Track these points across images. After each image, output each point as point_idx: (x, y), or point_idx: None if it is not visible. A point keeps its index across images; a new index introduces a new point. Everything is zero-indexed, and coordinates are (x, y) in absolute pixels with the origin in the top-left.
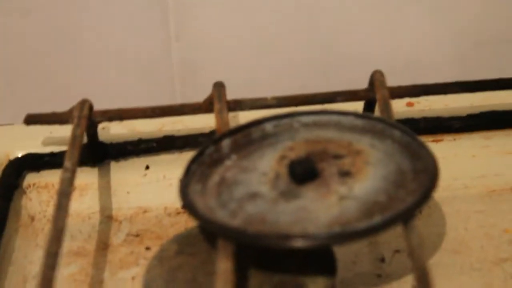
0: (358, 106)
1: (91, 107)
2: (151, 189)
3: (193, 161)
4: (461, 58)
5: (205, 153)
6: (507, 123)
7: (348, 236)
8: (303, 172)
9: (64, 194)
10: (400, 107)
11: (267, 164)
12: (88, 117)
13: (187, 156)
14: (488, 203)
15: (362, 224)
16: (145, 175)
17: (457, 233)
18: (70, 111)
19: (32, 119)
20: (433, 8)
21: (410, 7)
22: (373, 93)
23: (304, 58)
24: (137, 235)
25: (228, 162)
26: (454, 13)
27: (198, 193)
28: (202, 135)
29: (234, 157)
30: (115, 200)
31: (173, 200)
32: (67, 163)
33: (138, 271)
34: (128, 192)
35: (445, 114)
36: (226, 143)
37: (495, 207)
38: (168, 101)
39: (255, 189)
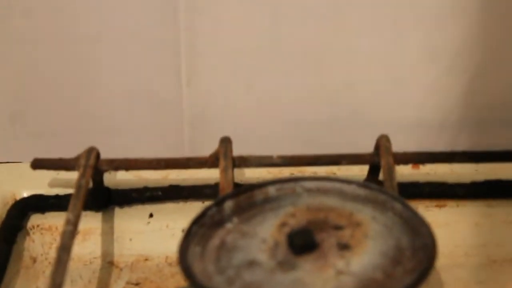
0: (364, 169)
1: (98, 155)
2: (153, 238)
3: (194, 222)
4: (474, 121)
5: (207, 214)
6: (511, 192)
7: None
8: (302, 244)
9: (65, 248)
10: (406, 169)
11: (267, 231)
12: (94, 166)
13: (191, 206)
14: (489, 273)
15: None
16: (149, 223)
17: None
18: (77, 159)
19: (38, 164)
20: (450, 68)
21: (426, 66)
22: (378, 158)
23: (312, 113)
24: (136, 284)
25: (229, 225)
26: (471, 74)
27: (197, 256)
28: (207, 186)
29: (235, 220)
30: (117, 246)
31: (175, 249)
32: (70, 215)
33: None
34: (130, 239)
35: (450, 179)
36: (228, 205)
37: (495, 278)
38: (175, 143)
39: (254, 256)
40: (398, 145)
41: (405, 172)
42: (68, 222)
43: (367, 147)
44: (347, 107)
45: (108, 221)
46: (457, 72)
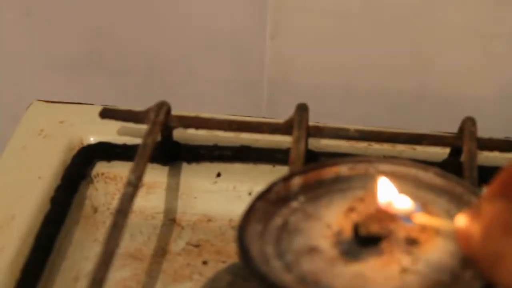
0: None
1: (168, 110)
2: (219, 198)
3: (259, 197)
4: None
5: (273, 190)
6: None
7: None
8: (368, 236)
9: (122, 211)
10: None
11: (333, 215)
12: (163, 123)
13: (260, 169)
14: None
15: None
16: (215, 182)
17: None
18: (146, 112)
19: (107, 114)
20: None
21: None
22: (461, 142)
23: (398, 83)
24: (197, 246)
25: (294, 204)
26: None
27: (257, 234)
28: (279, 150)
29: (301, 198)
30: (181, 204)
31: (240, 213)
32: (131, 176)
33: (190, 287)
34: (195, 197)
35: None
36: (296, 181)
37: None
38: (254, 98)
39: (316, 242)
40: (483, 122)
41: (490, 155)
42: (129, 183)
43: (453, 124)
44: (436, 80)
45: (174, 177)
46: None
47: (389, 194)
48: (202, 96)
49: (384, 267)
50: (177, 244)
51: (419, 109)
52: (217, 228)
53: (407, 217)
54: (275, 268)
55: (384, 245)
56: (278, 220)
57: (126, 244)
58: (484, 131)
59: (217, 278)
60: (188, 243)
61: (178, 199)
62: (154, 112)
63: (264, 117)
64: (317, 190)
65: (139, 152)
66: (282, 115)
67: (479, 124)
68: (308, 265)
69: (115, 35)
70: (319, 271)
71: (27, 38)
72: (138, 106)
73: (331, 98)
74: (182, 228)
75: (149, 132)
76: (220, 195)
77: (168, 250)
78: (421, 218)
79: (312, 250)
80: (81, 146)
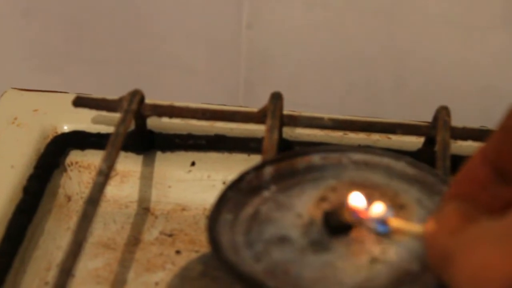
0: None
1: (142, 99)
2: (193, 187)
3: (230, 187)
4: None
5: (245, 179)
6: None
7: None
8: (337, 225)
9: (93, 202)
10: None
11: (304, 204)
12: (137, 111)
13: (235, 158)
14: None
15: None
16: (190, 171)
17: None
18: (120, 100)
19: (81, 102)
20: None
21: (499, 30)
22: (435, 131)
23: (376, 64)
24: (170, 235)
25: (266, 193)
26: None
27: (228, 224)
28: (254, 139)
29: (273, 188)
30: (155, 193)
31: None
32: (103, 165)
33: (163, 277)
34: (169, 186)
35: None
36: (268, 171)
37: None
38: (231, 86)
39: (286, 232)
40: (460, 112)
41: (464, 144)
42: (100, 172)
43: (430, 114)
44: (413, 70)
45: (149, 165)
46: None
47: (360, 204)
48: (179, 85)
49: (354, 256)
50: (151, 234)
51: (396, 99)
52: (191, 217)
53: (380, 223)
54: (245, 258)
55: (354, 234)
56: (249, 210)
57: (99, 233)
58: (460, 121)
59: (189, 268)
60: (161, 233)
61: (152, 188)
62: (127, 100)
63: (241, 106)
64: (289, 180)
65: (110, 140)
66: (259, 104)
67: (456, 114)
68: (278, 255)
69: (91, 24)
70: (289, 261)
71: (2, 26)
72: (114, 94)
73: (308, 88)
74: (156, 217)
75: (122, 121)
76: (195, 184)
77: (141, 239)
78: (394, 223)
79: (283, 240)
80: (55, 134)
